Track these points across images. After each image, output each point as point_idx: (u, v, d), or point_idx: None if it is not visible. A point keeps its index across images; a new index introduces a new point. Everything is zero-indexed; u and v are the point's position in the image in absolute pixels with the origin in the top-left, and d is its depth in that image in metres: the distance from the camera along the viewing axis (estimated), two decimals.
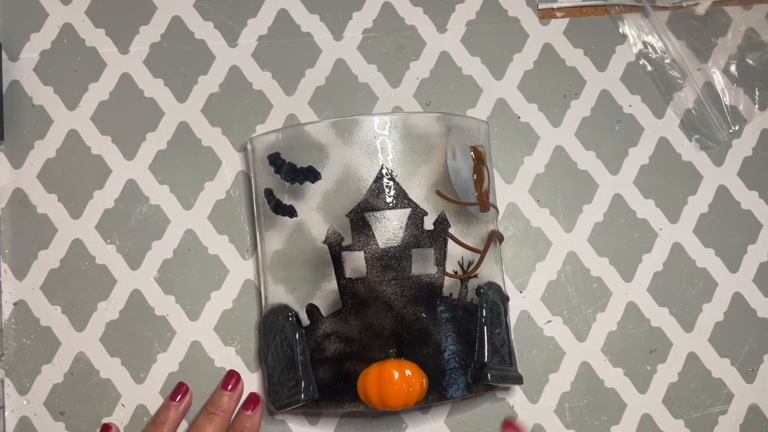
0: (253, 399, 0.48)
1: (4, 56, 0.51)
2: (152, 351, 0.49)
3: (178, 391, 0.48)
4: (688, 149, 0.52)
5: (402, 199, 0.43)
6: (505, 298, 0.47)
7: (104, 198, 0.50)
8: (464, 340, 0.44)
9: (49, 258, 0.50)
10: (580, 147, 0.51)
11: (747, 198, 0.51)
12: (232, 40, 0.52)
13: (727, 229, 0.51)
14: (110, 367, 0.49)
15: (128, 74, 0.52)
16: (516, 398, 0.49)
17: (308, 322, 0.45)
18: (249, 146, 0.48)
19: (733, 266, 0.51)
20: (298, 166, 0.44)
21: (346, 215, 0.43)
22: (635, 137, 0.52)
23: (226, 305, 0.49)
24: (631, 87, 0.52)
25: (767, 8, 0.53)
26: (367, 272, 0.43)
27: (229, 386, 0.47)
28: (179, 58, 0.52)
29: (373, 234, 0.43)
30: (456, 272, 0.45)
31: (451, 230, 0.44)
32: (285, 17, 0.52)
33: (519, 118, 0.52)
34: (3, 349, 0.49)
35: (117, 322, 0.49)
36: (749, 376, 0.50)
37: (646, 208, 0.51)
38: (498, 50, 0.52)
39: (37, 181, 0.50)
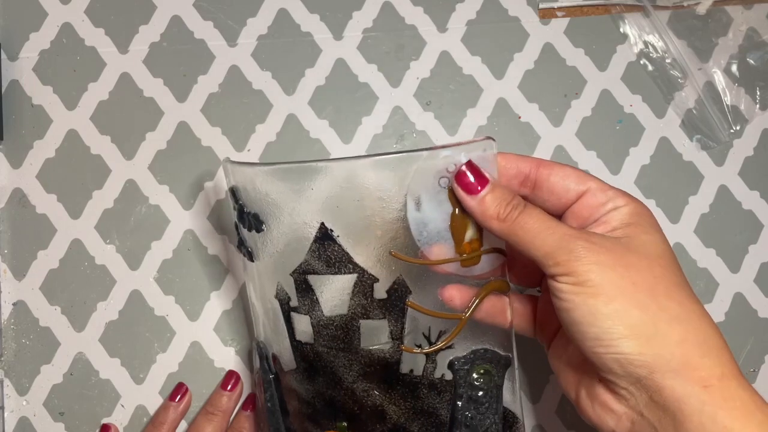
0: (252, 399, 0.48)
1: (3, 56, 0.51)
2: (152, 351, 0.49)
3: (177, 391, 0.48)
4: (689, 149, 0.52)
5: (345, 263, 0.36)
6: (501, 364, 0.37)
7: (103, 198, 0.50)
8: (431, 422, 0.37)
9: (49, 258, 0.50)
10: (581, 147, 0.51)
11: (748, 198, 0.51)
12: (231, 39, 0.52)
13: (729, 229, 0.51)
14: (110, 368, 0.49)
15: (128, 74, 0.51)
16: None
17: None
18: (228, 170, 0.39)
19: (735, 266, 0.51)
20: (246, 210, 0.38)
21: (290, 274, 0.37)
22: (636, 137, 0.51)
23: (226, 305, 0.49)
24: (631, 87, 0.52)
25: None
26: (314, 339, 0.37)
27: (229, 386, 0.47)
28: (179, 58, 0.52)
29: (317, 299, 0.37)
30: (420, 346, 0.37)
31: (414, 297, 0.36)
32: (285, 17, 0.52)
33: (519, 117, 0.52)
34: (2, 350, 0.49)
35: (116, 322, 0.49)
36: (751, 376, 0.49)
37: None
38: (498, 50, 0.52)
39: (37, 181, 0.50)
